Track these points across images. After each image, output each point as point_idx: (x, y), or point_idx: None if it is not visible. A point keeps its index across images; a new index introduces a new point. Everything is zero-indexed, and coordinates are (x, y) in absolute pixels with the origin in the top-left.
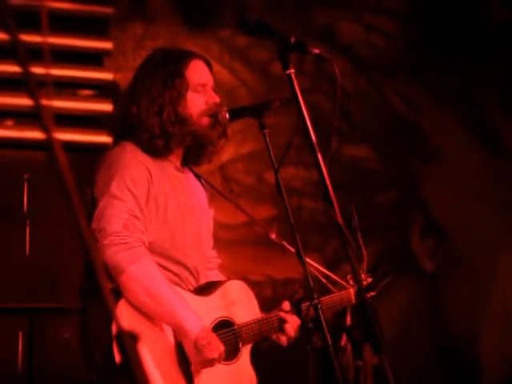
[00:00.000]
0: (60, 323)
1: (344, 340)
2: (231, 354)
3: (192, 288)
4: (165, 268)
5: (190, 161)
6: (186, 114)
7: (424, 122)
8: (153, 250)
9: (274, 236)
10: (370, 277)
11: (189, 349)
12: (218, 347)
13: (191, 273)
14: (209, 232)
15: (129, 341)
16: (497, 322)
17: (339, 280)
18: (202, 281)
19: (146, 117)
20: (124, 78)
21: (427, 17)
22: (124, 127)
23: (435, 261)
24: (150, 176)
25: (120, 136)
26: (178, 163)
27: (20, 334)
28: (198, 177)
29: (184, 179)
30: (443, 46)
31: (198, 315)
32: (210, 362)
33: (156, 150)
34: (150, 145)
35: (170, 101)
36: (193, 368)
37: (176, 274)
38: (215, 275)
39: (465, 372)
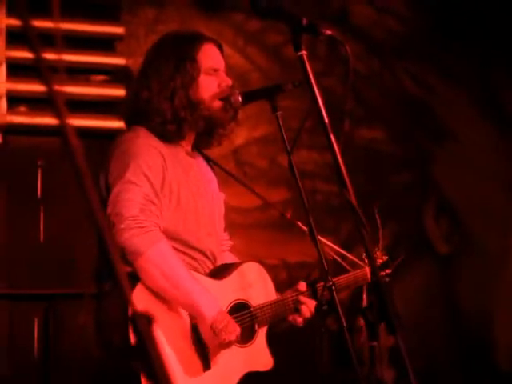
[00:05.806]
0: (75, 309)
1: (360, 321)
2: (247, 336)
3: (208, 271)
4: (181, 252)
5: (200, 144)
6: (198, 98)
7: (436, 102)
8: (167, 235)
9: (288, 216)
10: (386, 254)
11: (205, 333)
12: (234, 330)
13: (207, 256)
14: (220, 215)
15: (143, 323)
16: (511, 302)
17: (354, 258)
18: (218, 263)
19: (158, 101)
20: (136, 63)
21: None
22: (135, 112)
23: (449, 242)
24: (164, 161)
25: (132, 121)
26: (189, 148)
27: (36, 320)
28: (208, 160)
29: (195, 164)
30: (455, 27)
31: (215, 299)
32: (226, 345)
33: (168, 134)
34: (161, 130)
35: (182, 85)
36: (209, 351)
37: (193, 258)
38: (228, 257)
39: (479, 352)
